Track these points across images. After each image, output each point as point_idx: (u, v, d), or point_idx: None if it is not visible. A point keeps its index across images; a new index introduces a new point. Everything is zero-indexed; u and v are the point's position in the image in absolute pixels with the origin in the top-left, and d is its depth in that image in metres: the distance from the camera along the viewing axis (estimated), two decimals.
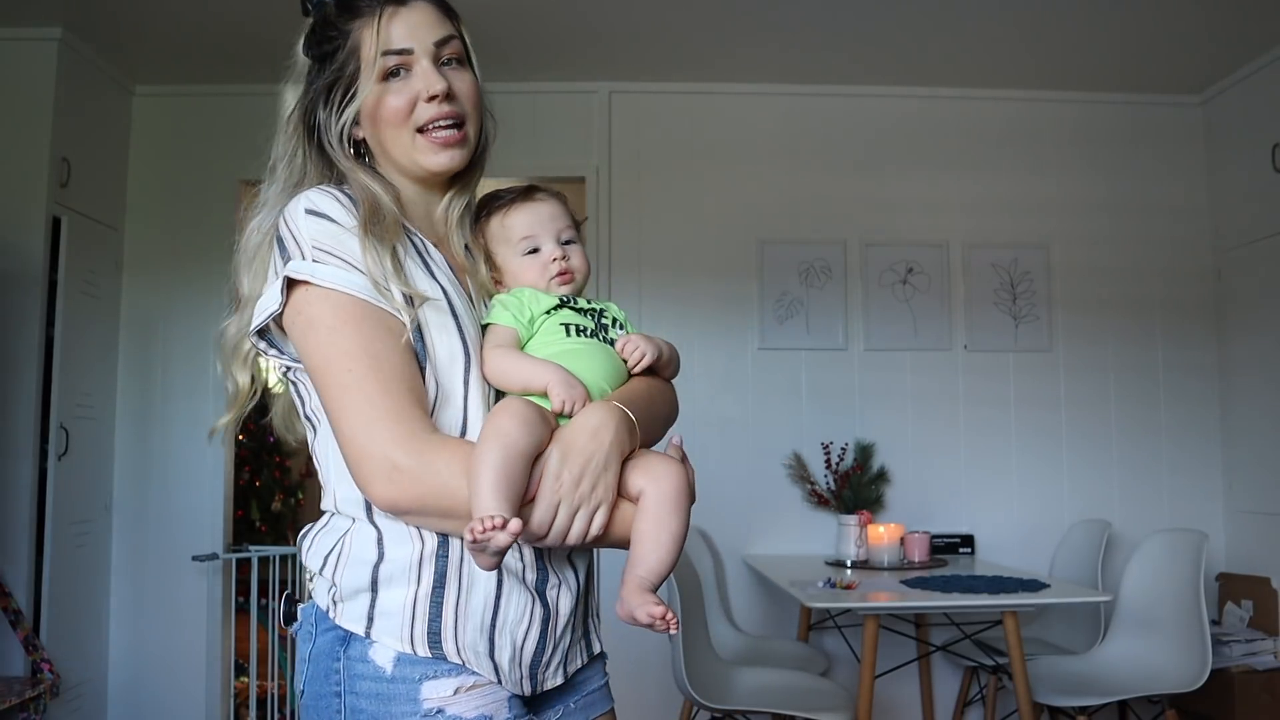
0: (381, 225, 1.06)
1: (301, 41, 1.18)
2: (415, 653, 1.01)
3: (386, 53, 1.10)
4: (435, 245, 1.14)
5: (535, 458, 0.99)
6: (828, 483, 3.71)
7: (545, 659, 1.09)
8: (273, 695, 3.69)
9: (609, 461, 1.01)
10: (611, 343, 1.17)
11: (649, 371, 1.17)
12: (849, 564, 3.30)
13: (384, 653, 1.01)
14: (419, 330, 1.04)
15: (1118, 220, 3.90)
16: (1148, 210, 3.90)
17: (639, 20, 3.36)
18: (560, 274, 1.18)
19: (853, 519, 3.38)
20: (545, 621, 1.08)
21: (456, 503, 0.97)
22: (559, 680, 1.12)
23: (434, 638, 1.02)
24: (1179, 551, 2.96)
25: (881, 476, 3.73)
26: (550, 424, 1.02)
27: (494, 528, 0.89)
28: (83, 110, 3.44)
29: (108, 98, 3.64)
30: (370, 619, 1.02)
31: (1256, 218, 3.64)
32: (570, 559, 1.12)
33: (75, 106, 3.38)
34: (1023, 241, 3.88)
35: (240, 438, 5.35)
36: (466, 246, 1.20)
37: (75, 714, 3.30)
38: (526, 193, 1.21)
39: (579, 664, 1.17)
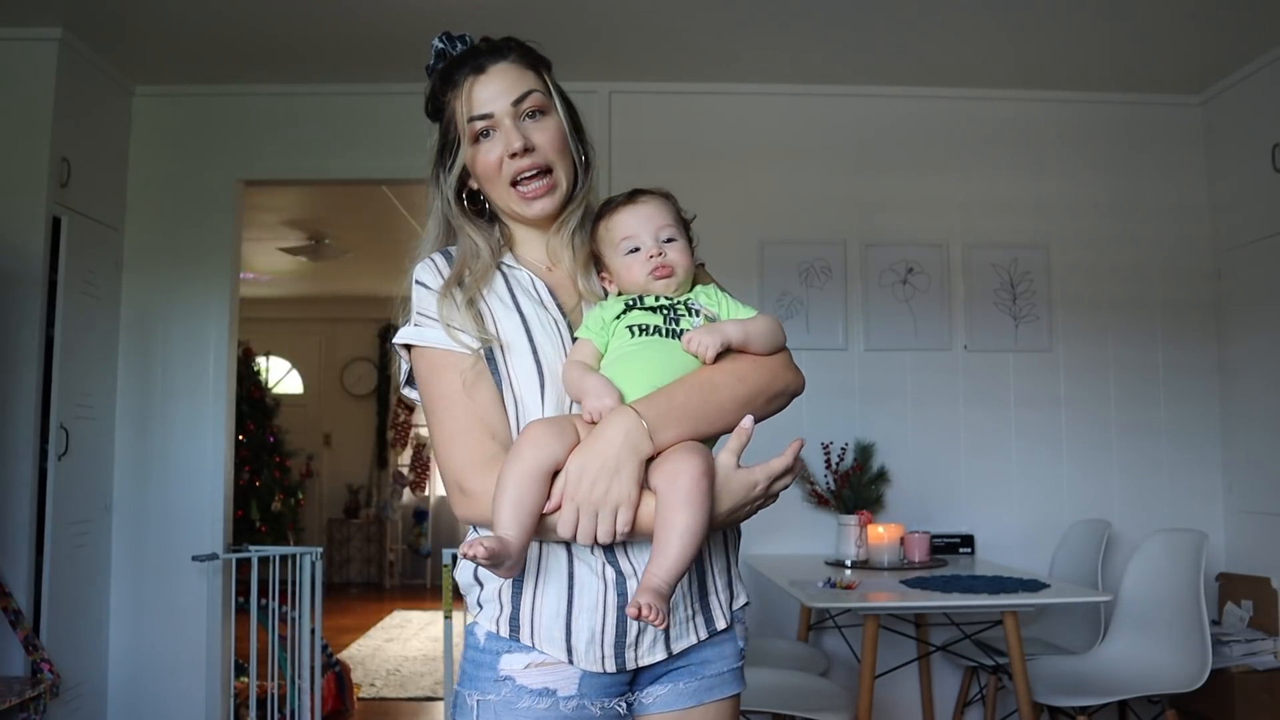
0: (472, 274, 1.26)
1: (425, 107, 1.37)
2: (500, 633, 1.21)
3: (471, 119, 1.28)
4: (546, 271, 1.32)
5: (551, 472, 1.11)
6: (828, 483, 3.71)
7: (630, 639, 1.20)
8: (273, 695, 3.69)
9: (620, 464, 1.10)
10: (682, 334, 1.21)
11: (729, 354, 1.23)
12: (849, 564, 3.30)
13: (481, 630, 1.23)
14: (502, 363, 1.22)
15: (1118, 220, 3.90)
16: (1148, 210, 3.90)
17: (639, 20, 3.36)
18: (656, 269, 1.25)
19: (853, 519, 3.38)
20: (622, 610, 1.18)
21: None
22: (658, 655, 1.22)
23: (514, 622, 1.20)
24: (1179, 551, 2.96)
25: (881, 476, 3.73)
26: (570, 437, 1.12)
27: (470, 549, 1.04)
28: (83, 110, 3.44)
29: (108, 98, 3.64)
30: (479, 605, 1.24)
31: (1256, 218, 3.64)
32: None
33: (75, 106, 3.38)
34: (1022, 241, 3.88)
35: (240, 438, 5.36)
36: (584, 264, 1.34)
37: (75, 714, 3.30)
38: (630, 197, 1.30)
39: (692, 640, 1.25)
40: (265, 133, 3.82)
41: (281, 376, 8.86)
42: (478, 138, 1.28)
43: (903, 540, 3.32)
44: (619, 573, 1.18)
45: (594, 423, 1.13)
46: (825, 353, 3.80)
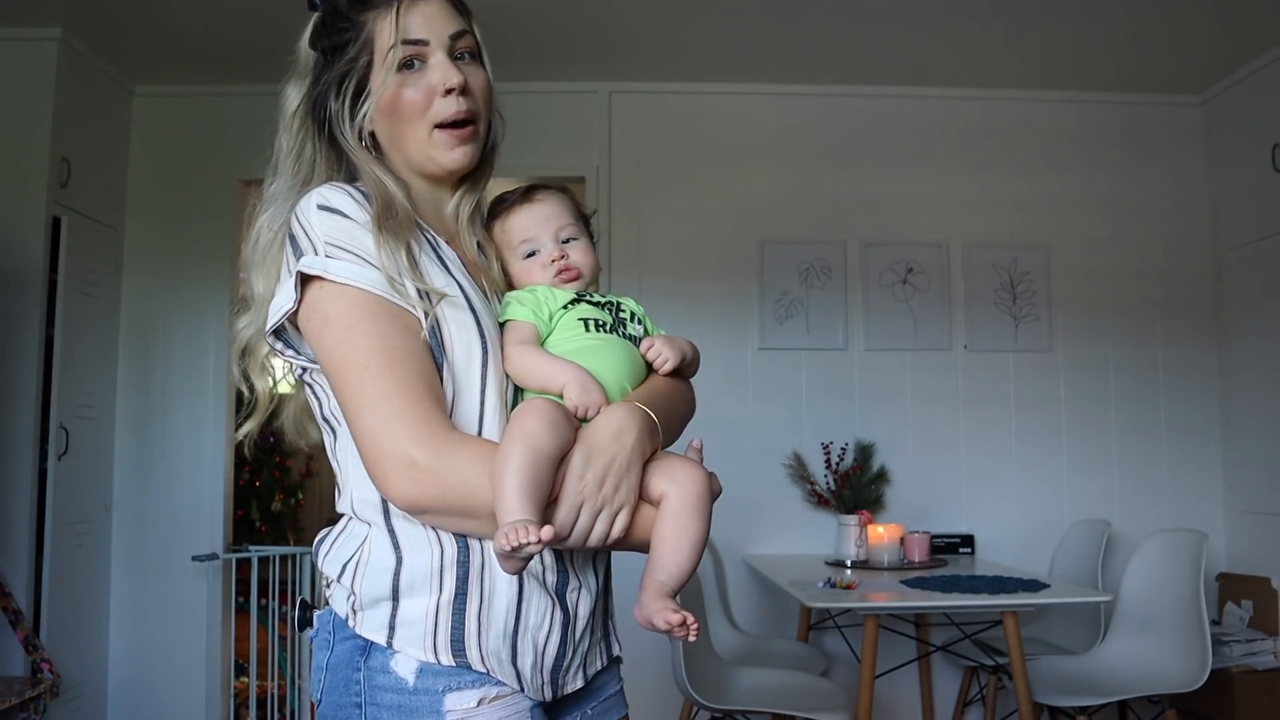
0: (395, 220, 1.04)
1: (307, 36, 1.17)
2: (439, 662, 1.00)
3: (404, 42, 1.09)
4: (447, 242, 1.13)
5: (560, 459, 0.98)
6: (828, 483, 3.71)
7: (566, 663, 1.08)
8: (273, 695, 3.69)
9: (631, 463, 1.00)
10: (630, 338, 1.15)
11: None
12: (849, 564, 3.30)
13: (406, 663, 1.00)
14: (436, 326, 1.03)
15: (1118, 220, 3.90)
16: (1148, 210, 3.90)
17: (639, 20, 3.36)
18: (560, 272, 1.17)
19: (853, 519, 3.38)
20: (565, 625, 1.07)
21: (477, 501, 0.96)
22: (579, 683, 1.12)
23: (457, 645, 1.00)
24: (1179, 551, 2.96)
25: (881, 476, 3.73)
26: (575, 425, 1.01)
27: (528, 538, 0.89)
28: (83, 110, 3.44)
29: (108, 98, 3.64)
30: (392, 628, 1.01)
31: (1256, 218, 3.64)
32: (593, 561, 1.12)
33: (75, 106, 3.38)
34: (1023, 241, 3.88)
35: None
36: (480, 244, 1.20)
37: (75, 714, 3.30)
38: (525, 195, 1.20)
39: (599, 666, 1.16)
40: (266, 132, 3.81)
41: (282, 376, 8.84)
42: (402, 67, 1.09)
43: (903, 540, 3.32)
44: (563, 586, 1.06)
45: (577, 415, 1.03)
46: (825, 353, 3.79)
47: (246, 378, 1.16)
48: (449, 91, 1.09)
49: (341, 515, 1.10)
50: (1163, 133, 3.95)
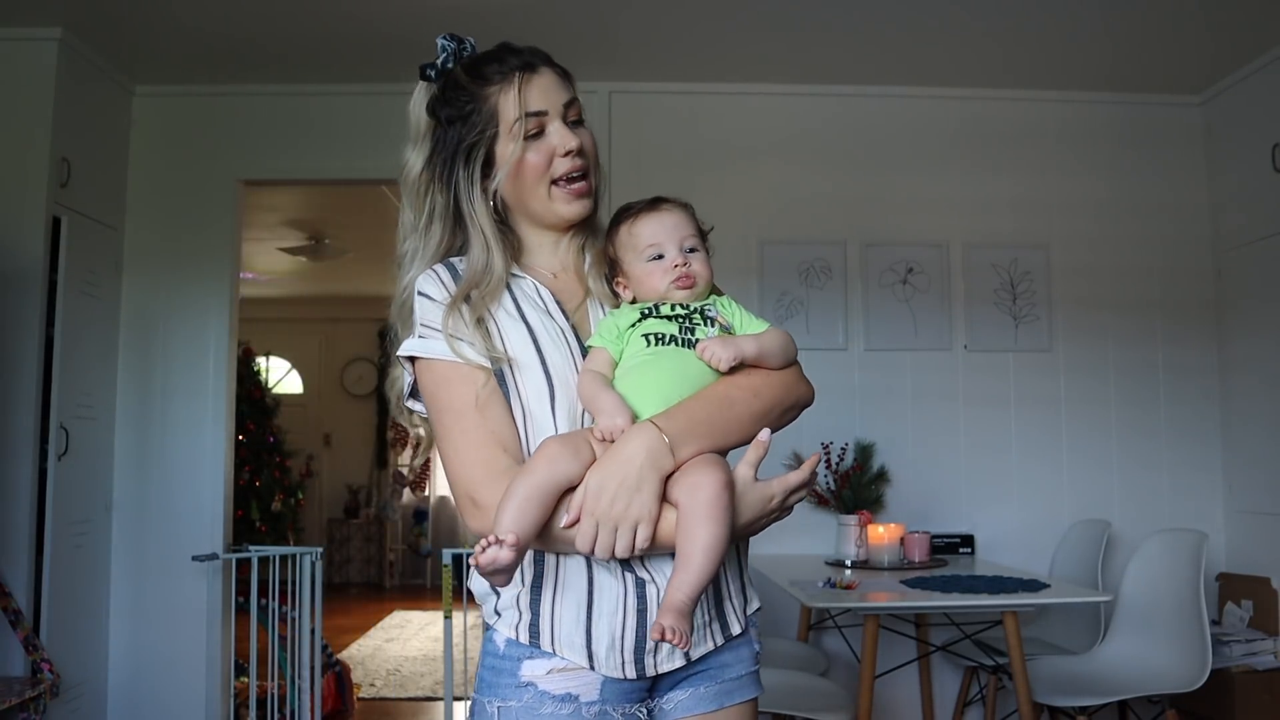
0: (480, 290, 1.24)
1: (423, 104, 1.31)
2: (520, 639, 1.20)
3: (527, 115, 1.25)
4: (552, 279, 1.31)
5: (562, 487, 1.11)
6: (828, 483, 3.71)
7: (650, 646, 1.19)
8: (273, 695, 3.69)
9: (642, 481, 1.11)
10: (696, 345, 1.21)
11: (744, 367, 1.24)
12: (849, 564, 3.30)
13: (500, 637, 1.22)
14: (509, 374, 1.21)
15: (1118, 220, 3.90)
16: (1148, 210, 3.90)
17: (639, 20, 3.36)
18: (679, 279, 1.26)
19: (853, 519, 3.38)
20: (642, 613, 1.18)
21: None
22: (676, 663, 1.22)
23: (534, 629, 1.20)
24: (1179, 551, 2.96)
25: (881, 476, 3.73)
26: (585, 455, 1.13)
27: (493, 544, 1.04)
28: (83, 110, 3.44)
29: (108, 98, 3.64)
30: (497, 614, 1.23)
31: (1256, 218, 3.64)
32: (672, 558, 1.18)
33: (75, 106, 3.38)
34: (1023, 241, 3.88)
35: (240, 438, 5.35)
36: (590, 266, 1.34)
37: (75, 714, 3.30)
38: (653, 203, 1.32)
39: (709, 647, 1.25)
40: (265, 133, 3.82)
41: (281, 376, 8.85)
42: (526, 136, 1.25)
43: (903, 540, 3.32)
44: (638, 577, 1.19)
45: (605, 440, 1.13)
46: (825, 353, 3.80)
47: (412, 418, 1.35)
48: (567, 153, 1.26)
49: None
50: (1162, 133, 3.95)
